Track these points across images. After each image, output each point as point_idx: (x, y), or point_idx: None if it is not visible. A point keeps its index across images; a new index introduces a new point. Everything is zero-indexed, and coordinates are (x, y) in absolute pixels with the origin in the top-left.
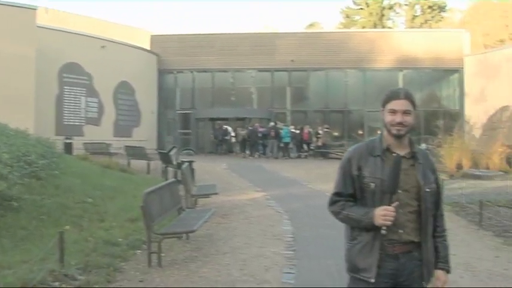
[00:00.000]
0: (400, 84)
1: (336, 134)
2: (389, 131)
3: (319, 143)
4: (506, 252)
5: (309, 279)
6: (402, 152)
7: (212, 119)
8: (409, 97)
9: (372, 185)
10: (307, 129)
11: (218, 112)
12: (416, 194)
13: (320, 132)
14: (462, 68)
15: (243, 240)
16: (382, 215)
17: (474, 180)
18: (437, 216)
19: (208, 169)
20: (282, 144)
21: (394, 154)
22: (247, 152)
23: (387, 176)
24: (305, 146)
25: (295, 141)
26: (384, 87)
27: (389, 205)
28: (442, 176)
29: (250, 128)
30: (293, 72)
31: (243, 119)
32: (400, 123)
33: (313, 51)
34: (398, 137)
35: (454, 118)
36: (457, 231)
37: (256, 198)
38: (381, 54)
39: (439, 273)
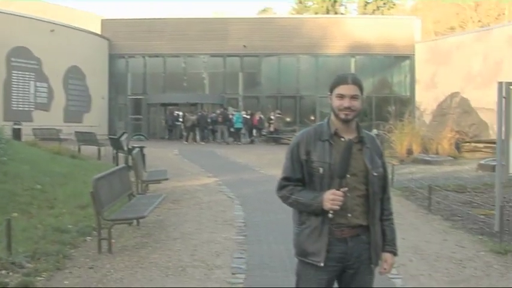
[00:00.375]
0: (352, 70)
1: (288, 119)
2: (337, 116)
3: (271, 129)
4: (454, 235)
5: (260, 263)
6: (350, 137)
7: (164, 105)
8: (356, 82)
9: (321, 169)
10: (258, 115)
11: (170, 97)
12: (364, 178)
13: (272, 117)
14: (413, 54)
15: (194, 225)
16: (331, 199)
17: (424, 165)
18: (384, 200)
19: (160, 155)
20: (233, 130)
21: (342, 139)
22: (197, 137)
23: (338, 160)
24: (255, 132)
25: (246, 127)
26: (336, 73)
27: (338, 189)
28: (393, 161)
29: (199, 113)
30: (245, 57)
31: (195, 105)
32: (348, 108)
33: (266, 37)
34: (346, 122)
35: (405, 104)
36: (406, 216)
37: (207, 183)
38: (333, 40)
39: (386, 255)
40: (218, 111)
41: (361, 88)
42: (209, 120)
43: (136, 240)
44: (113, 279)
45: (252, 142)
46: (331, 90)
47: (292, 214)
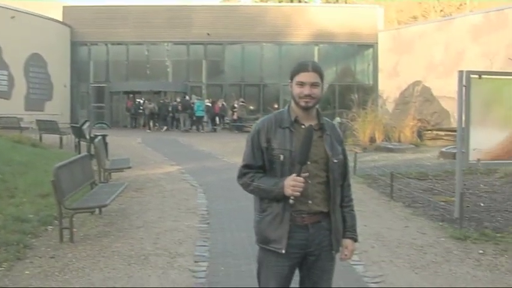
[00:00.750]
0: (316, 59)
1: (251, 107)
2: (297, 103)
3: (235, 117)
4: (415, 222)
5: (222, 251)
6: (310, 124)
7: (127, 93)
8: (317, 69)
9: (281, 156)
10: (220, 102)
11: (133, 85)
12: (325, 165)
13: (235, 105)
14: (376, 43)
15: (156, 214)
16: (292, 185)
17: (386, 153)
18: (345, 187)
19: (123, 143)
20: (195, 118)
21: (302, 126)
22: (156, 125)
23: (298, 146)
24: (217, 120)
25: (209, 115)
26: (299, 61)
27: (299, 176)
28: (356, 149)
29: (161, 101)
30: (209, 45)
31: (158, 93)
32: (308, 96)
33: (229, 25)
34: (306, 109)
35: (368, 92)
36: (368, 203)
37: (170, 172)
38: (296, 29)
39: (347, 242)
40: (178, 99)
41: (321, 76)
42: (170, 108)
43: (99, 229)
44: (74, 268)
45: (214, 130)
46: (292, 77)
47: (253, 202)
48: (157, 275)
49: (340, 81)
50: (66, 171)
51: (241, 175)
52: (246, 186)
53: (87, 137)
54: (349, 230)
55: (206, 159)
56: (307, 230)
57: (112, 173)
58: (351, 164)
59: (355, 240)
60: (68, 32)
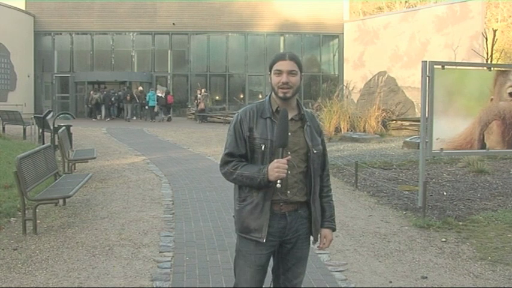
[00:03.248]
0: (281, 49)
1: (217, 97)
2: (276, 94)
3: (199, 107)
4: (379, 211)
5: (188, 241)
6: (291, 114)
7: (91, 83)
8: (294, 58)
9: (263, 146)
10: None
11: (97, 75)
12: (305, 156)
13: (199, 96)
14: (342, 33)
15: (121, 204)
16: (276, 167)
17: (351, 142)
18: (324, 177)
19: (88, 134)
20: (147, 107)
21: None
22: (100, 115)
23: (276, 129)
24: (171, 110)
25: (160, 105)
26: (265, 51)
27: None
28: None
29: (104, 92)
30: (174, 35)
31: (123, 83)
32: (285, 83)
33: (195, 15)
34: (285, 99)
35: (334, 83)
36: (333, 192)
37: (135, 162)
38: (262, 19)
39: (325, 231)
40: (125, 89)
41: (299, 65)
42: (113, 98)
43: (63, 220)
44: (38, 260)
45: (169, 119)
46: (270, 68)
47: (233, 191)
48: (121, 266)
49: (306, 72)
50: (30, 162)
51: (224, 163)
52: (229, 175)
53: (51, 127)
54: (328, 220)
55: (171, 149)
56: (285, 218)
57: (76, 164)
58: None
59: (334, 229)
60: (31, 21)
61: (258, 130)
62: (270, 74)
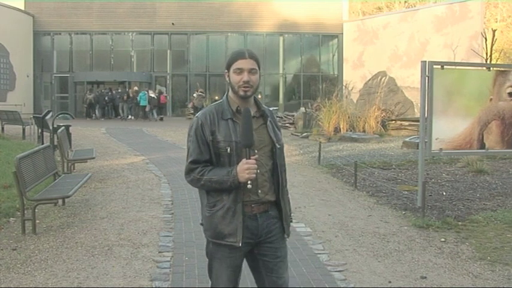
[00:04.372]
0: (281, 49)
1: (216, 97)
2: (236, 92)
3: (190, 105)
4: (379, 211)
5: (187, 241)
6: (251, 112)
7: (90, 83)
8: (253, 56)
9: (228, 148)
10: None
11: (97, 75)
12: (270, 152)
13: (194, 96)
14: (341, 33)
15: (120, 204)
16: (246, 168)
17: (351, 142)
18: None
19: (87, 133)
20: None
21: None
22: (95, 114)
23: (240, 130)
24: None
25: (152, 105)
26: (264, 51)
27: (248, 159)
28: (320, 139)
29: (97, 92)
30: (174, 35)
31: (122, 83)
32: (246, 82)
33: (194, 15)
34: (245, 98)
35: (333, 83)
36: (333, 192)
37: (135, 162)
38: (262, 19)
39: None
40: (119, 90)
41: (258, 63)
42: (106, 98)
43: (62, 220)
44: (37, 260)
45: (161, 119)
46: (228, 66)
47: (200, 197)
48: (121, 266)
49: (305, 72)
50: (29, 162)
51: (189, 171)
52: (196, 182)
53: (50, 127)
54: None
55: (170, 149)
56: (256, 219)
57: (75, 164)
58: (315, 153)
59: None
60: (30, 21)
61: (221, 133)
62: (228, 72)
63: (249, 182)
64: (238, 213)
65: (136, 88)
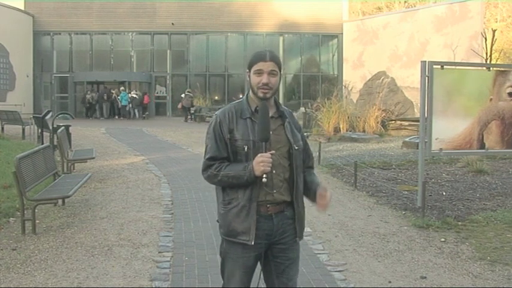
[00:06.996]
0: (281, 49)
1: (216, 97)
2: (255, 93)
3: (179, 106)
4: (379, 211)
5: (187, 241)
6: (270, 112)
7: (90, 83)
8: (274, 59)
9: (245, 147)
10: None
11: (97, 75)
12: (287, 153)
13: (182, 96)
14: (341, 33)
15: (120, 204)
16: (260, 161)
17: (351, 142)
18: (306, 171)
19: (87, 133)
20: (120, 106)
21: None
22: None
23: (257, 124)
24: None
25: (134, 105)
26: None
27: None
28: (320, 139)
29: (98, 92)
30: (174, 35)
31: (122, 83)
32: (266, 84)
33: (194, 15)
34: (264, 100)
35: (333, 83)
36: (333, 192)
37: (135, 162)
38: (262, 19)
39: (319, 192)
40: (98, 91)
41: (279, 65)
42: (88, 96)
43: (62, 221)
44: (37, 260)
45: (143, 118)
46: (250, 67)
47: (216, 194)
48: (121, 266)
49: (305, 72)
50: (29, 162)
51: (206, 167)
52: (212, 178)
53: (50, 127)
54: (314, 187)
55: (170, 149)
56: (272, 219)
57: (75, 164)
58: (315, 154)
59: (326, 189)
60: (30, 21)
61: (239, 131)
62: (249, 72)
63: (264, 176)
64: (252, 212)
65: (122, 88)
